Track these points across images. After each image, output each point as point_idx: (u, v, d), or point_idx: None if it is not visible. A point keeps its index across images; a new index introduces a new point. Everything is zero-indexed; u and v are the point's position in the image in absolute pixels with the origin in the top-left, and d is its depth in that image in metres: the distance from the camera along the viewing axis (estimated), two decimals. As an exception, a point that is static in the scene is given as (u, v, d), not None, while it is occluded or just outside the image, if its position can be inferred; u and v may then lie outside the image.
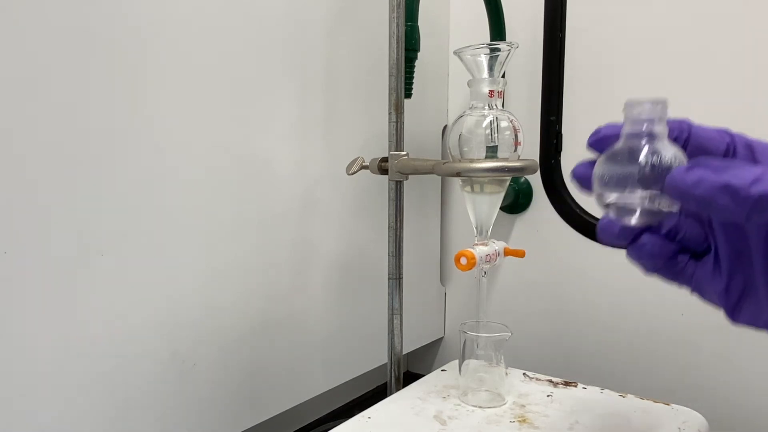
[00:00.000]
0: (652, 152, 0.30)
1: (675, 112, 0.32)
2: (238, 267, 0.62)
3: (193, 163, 0.57)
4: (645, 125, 0.31)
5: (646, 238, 0.33)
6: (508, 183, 0.57)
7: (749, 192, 0.27)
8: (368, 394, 0.90)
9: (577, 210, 0.83)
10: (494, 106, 0.53)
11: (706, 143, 0.32)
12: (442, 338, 0.99)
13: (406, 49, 0.64)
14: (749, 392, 0.73)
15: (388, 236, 0.66)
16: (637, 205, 0.31)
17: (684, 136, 0.32)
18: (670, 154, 0.30)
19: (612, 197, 0.31)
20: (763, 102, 0.69)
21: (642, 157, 0.30)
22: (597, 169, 0.31)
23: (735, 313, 0.34)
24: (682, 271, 0.34)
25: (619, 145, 0.31)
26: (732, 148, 0.32)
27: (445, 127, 0.92)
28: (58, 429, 0.48)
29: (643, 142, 0.30)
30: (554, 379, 0.64)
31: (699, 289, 0.34)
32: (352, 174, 0.66)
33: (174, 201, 0.56)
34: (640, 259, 0.34)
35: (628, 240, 0.34)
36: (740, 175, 0.28)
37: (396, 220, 0.65)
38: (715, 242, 0.33)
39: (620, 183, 0.30)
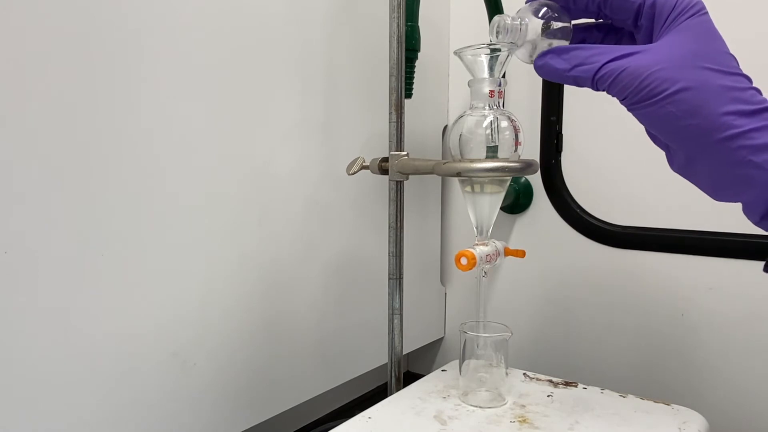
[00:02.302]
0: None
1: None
2: (239, 267, 0.62)
3: (193, 163, 0.57)
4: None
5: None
6: (508, 183, 0.57)
7: (568, 74, 0.42)
8: (368, 394, 0.90)
9: (577, 210, 0.83)
10: (494, 106, 0.53)
11: (621, 3, 0.42)
12: (442, 338, 0.99)
13: (406, 49, 0.64)
14: (749, 392, 0.73)
15: (389, 236, 0.66)
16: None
17: None
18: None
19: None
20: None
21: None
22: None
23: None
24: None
25: None
26: (641, 7, 0.41)
27: (445, 127, 0.92)
28: (58, 429, 0.48)
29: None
30: (554, 379, 0.64)
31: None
32: (353, 174, 0.66)
33: (174, 201, 0.56)
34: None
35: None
36: (567, 61, 0.42)
37: (396, 220, 0.65)
38: None
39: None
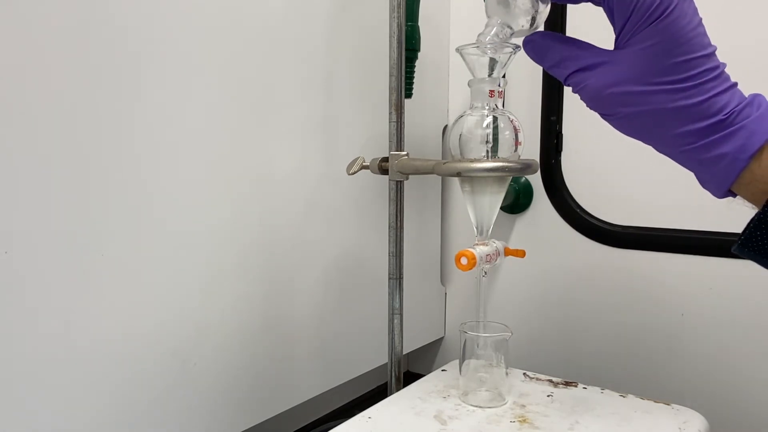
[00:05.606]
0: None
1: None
2: (239, 267, 0.62)
3: (193, 163, 0.57)
4: None
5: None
6: (508, 183, 0.57)
7: (549, 71, 0.43)
8: (368, 394, 0.90)
9: (578, 210, 0.83)
10: (495, 106, 0.53)
11: None
12: (442, 338, 0.99)
13: (406, 49, 0.64)
14: (749, 392, 0.73)
15: (389, 236, 0.66)
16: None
17: None
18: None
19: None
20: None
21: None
22: None
23: None
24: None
25: None
26: None
27: (445, 127, 0.92)
28: (58, 429, 0.48)
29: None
30: (554, 379, 0.64)
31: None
32: (353, 174, 0.66)
33: (174, 201, 0.56)
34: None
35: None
36: (547, 59, 0.43)
37: (396, 220, 0.65)
38: None
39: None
